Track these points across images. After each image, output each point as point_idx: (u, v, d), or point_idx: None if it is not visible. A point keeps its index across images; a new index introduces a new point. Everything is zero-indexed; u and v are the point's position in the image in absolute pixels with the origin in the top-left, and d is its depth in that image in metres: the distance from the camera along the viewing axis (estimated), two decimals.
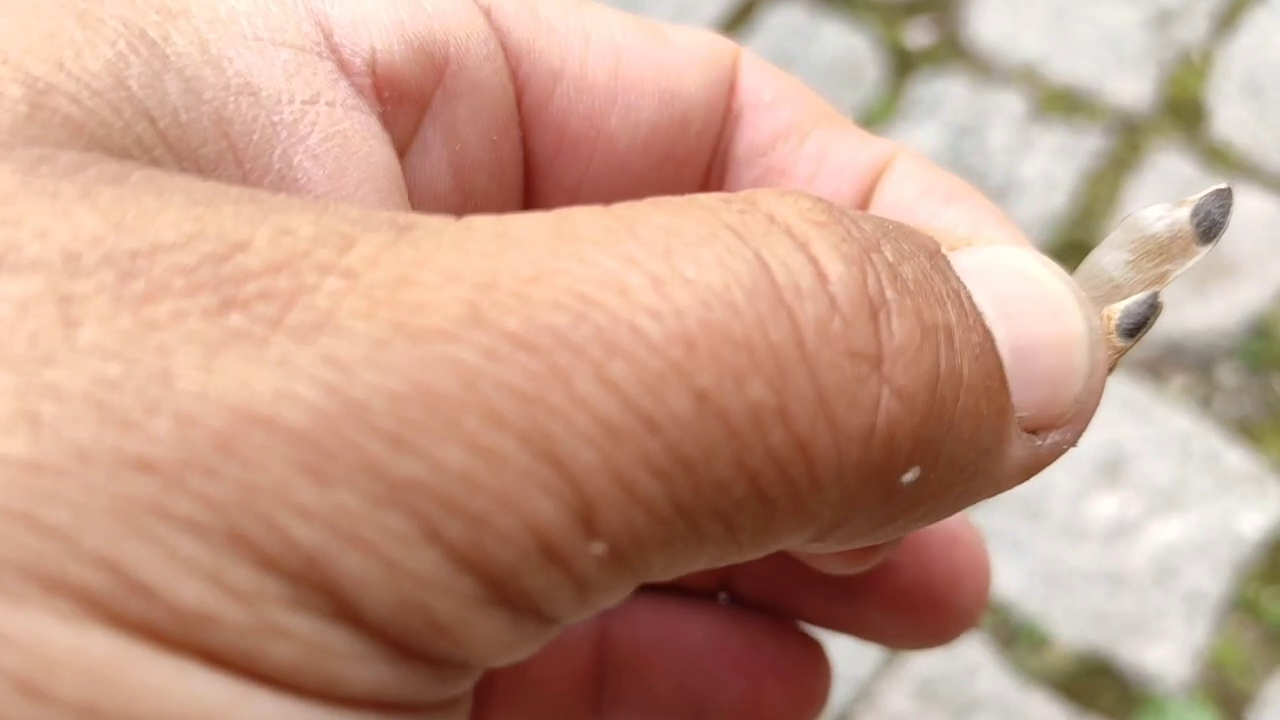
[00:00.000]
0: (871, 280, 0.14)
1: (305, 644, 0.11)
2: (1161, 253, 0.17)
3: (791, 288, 0.13)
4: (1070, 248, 1.03)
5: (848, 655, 0.88)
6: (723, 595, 0.24)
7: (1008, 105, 1.09)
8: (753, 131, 0.21)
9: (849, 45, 1.14)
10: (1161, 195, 1.04)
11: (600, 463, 0.12)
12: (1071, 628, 0.88)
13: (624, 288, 0.13)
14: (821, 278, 0.13)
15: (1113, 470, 0.93)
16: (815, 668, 0.24)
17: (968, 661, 0.87)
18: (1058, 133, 1.08)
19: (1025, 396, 0.15)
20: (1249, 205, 1.03)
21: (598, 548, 0.12)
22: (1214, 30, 1.12)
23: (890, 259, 0.14)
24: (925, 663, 0.87)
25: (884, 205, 0.20)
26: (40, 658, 0.10)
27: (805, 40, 1.14)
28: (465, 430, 0.12)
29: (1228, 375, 0.97)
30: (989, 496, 0.16)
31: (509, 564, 0.12)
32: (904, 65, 1.13)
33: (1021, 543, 0.91)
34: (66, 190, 0.12)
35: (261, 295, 0.12)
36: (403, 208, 0.17)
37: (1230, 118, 1.07)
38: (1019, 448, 0.16)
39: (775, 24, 1.16)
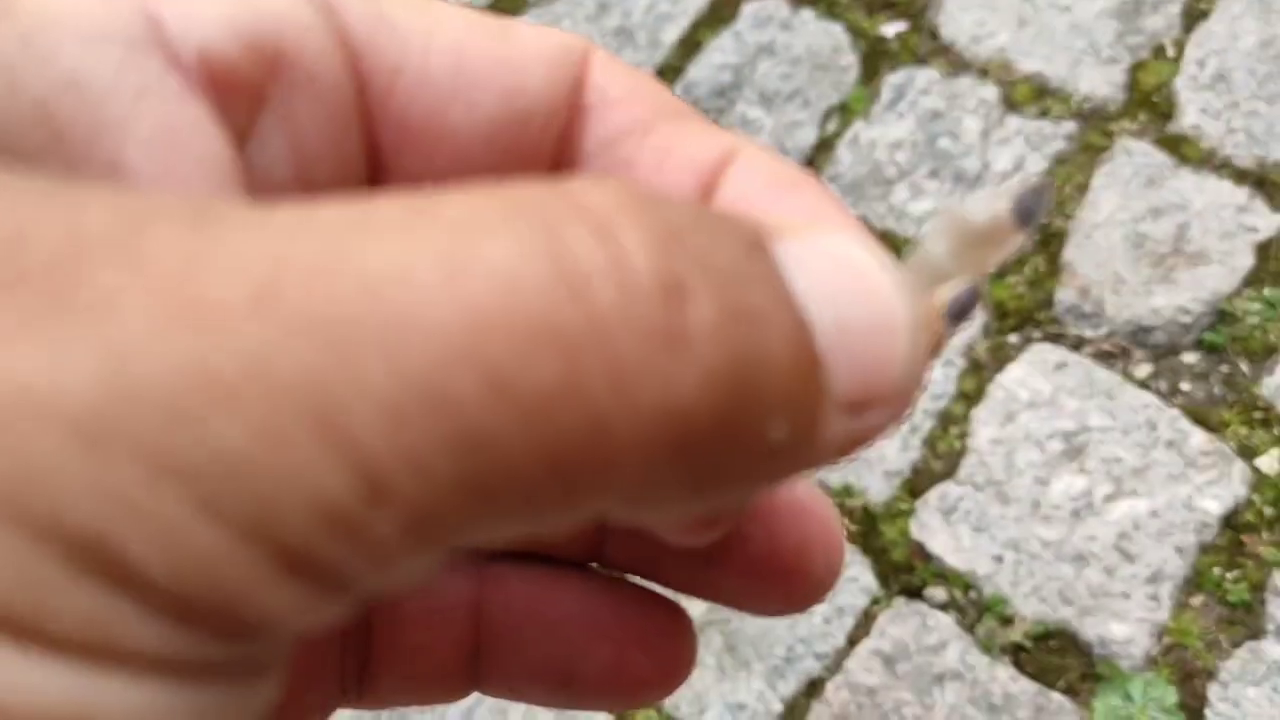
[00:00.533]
0: (672, 262, 0.14)
1: (85, 612, 0.12)
2: (983, 240, 0.18)
3: (588, 271, 0.13)
4: (1039, 233, 1.04)
5: (817, 630, 0.90)
6: (594, 565, 0.25)
7: (980, 95, 1.11)
8: (600, 126, 0.21)
9: (826, 35, 1.16)
10: (1130, 184, 1.06)
11: (387, 445, 0.12)
12: (1037, 604, 0.90)
13: (413, 271, 0.13)
14: (619, 258, 0.14)
15: (1079, 451, 0.95)
16: (679, 635, 0.24)
17: (934, 636, 0.89)
18: (1029, 122, 1.09)
19: (844, 378, 0.16)
20: (1215, 193, 1.05)
21: (388, 517, 0.13)
22: (1184, 20, 1.14)
23: (699, 245, 0.14)
24: (892, 636, 0.89)
25: (727, 197, 0.21)
26: None
27: (781, 31, 1.16)
28: (246, 412, 0.12)
29: (1192, 359, 0.99)
30: (808, 469, 0.16)
31: (295, 535, 0.12)
32: (878, 54, 1.14)
33: (989, 520, 0.93)
34: None
35: (43, 280, 0.12)
36: (235, 198, 0.17)
37: (1199, 108, 1.09)
38: (834, 424, 0.16)
39: (751, 15, 1.18)
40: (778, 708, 0.88)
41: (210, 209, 0.13)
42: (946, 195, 1.07)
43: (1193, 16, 1.14)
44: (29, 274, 0.12)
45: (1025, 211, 0.18)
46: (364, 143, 0.20)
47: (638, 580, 0.25)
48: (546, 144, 0.21)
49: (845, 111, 1.12)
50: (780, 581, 0.23)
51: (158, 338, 0.12)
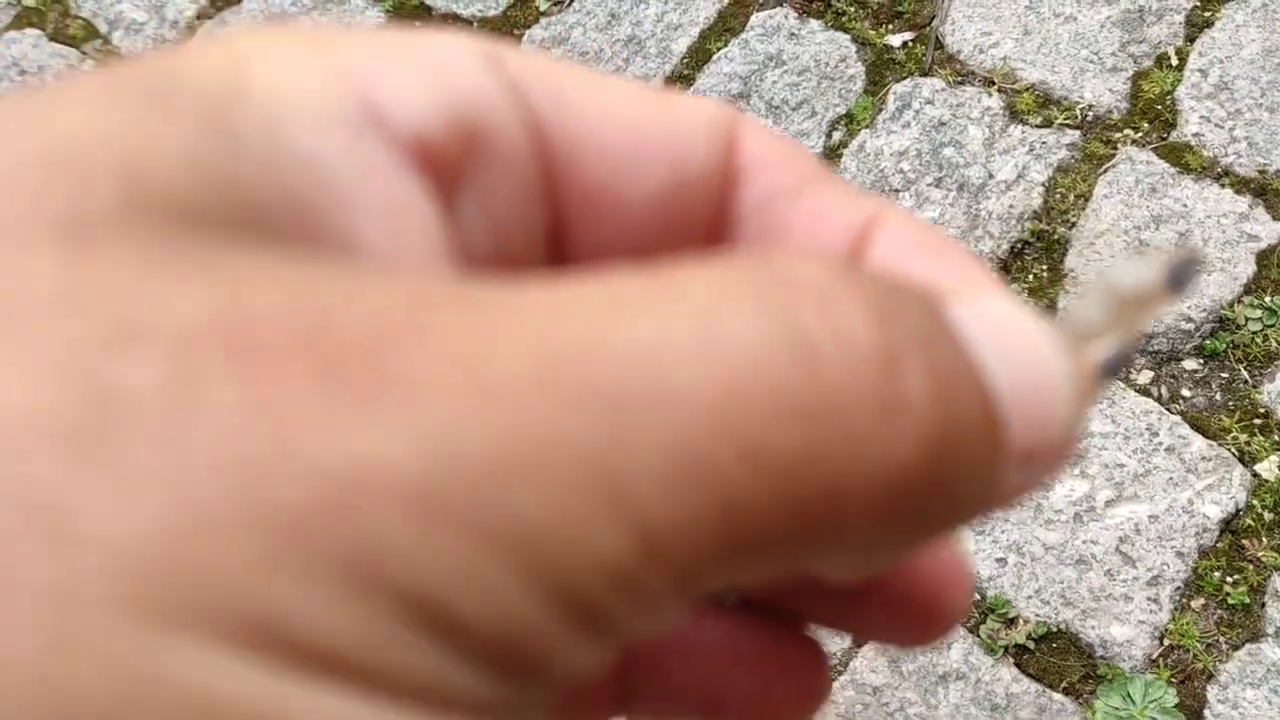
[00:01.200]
0: (891, 334, 0.16)
1: (426, 668, 0.13)
2: (1133, 303, 0.19)
3: (819, 345, 0.15)
4: (1041, 241, 1.06)
5: (823, 630, 0.91)
6: (731, 598, 0.26)
7: (983, 104, 1.13)
8: (753, 190, 0.22)
9: (832, 45, 1.17)
10: (1132, 192, 1.07)
11: (665, 512, 0.14)
12: (1039, 606, 0.91)
13: (672, 351, 0.14)
14: (847, 334, 0.15)
15: (1080, 456, 0.96)
16: (817, 666, 0.26)
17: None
18: (1032, 131, 1.11)
19: (1018, 434, 0.17)
20: (1217, 201, 1.06)
21: (662, 576, 0.14)
22: (1187, 30, 1.15)
23: (905, 313, 0.16)
24: None
25: (878, 260, 0.22)
26: (205, 693, 0.12)
27: (788, 42, 1.17)
28: (540, 481, 0.13)
29: (1193, 366, 1.01)
30: (986, 516, 0.18)
31: (591, 594, 0.14)
32: (884, 65, 1.16)
33: (994, 524, 0.94)
34: (175, 268, 0.14)
35: (357, 363, 0.13)
36: (451, 269, 0.19)
37: (1202, 116, 1.10)
38: (1012, 477, 0.18)
39: (759, 26, 1.19)
40: None
41: (474, 290, 0.15)
42: (950, 204, 1.08)
43: (1196, 26, 1.15)
44: (342, 357, 0.13)
45: (1177, 282, 0.19)
46: (547, 213, 0.21)
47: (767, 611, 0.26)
48: (707, 208, 0.22)
49: (851, 121, 1.14)
50: (918, 616, 0.24)
51: (462, 416, 0.13)
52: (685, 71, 1.17)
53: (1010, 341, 0.18)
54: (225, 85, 0.18)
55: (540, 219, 0.21)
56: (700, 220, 0.23)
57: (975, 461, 0.17)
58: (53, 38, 1.34)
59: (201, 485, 0.12)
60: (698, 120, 0.22)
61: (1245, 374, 1.00)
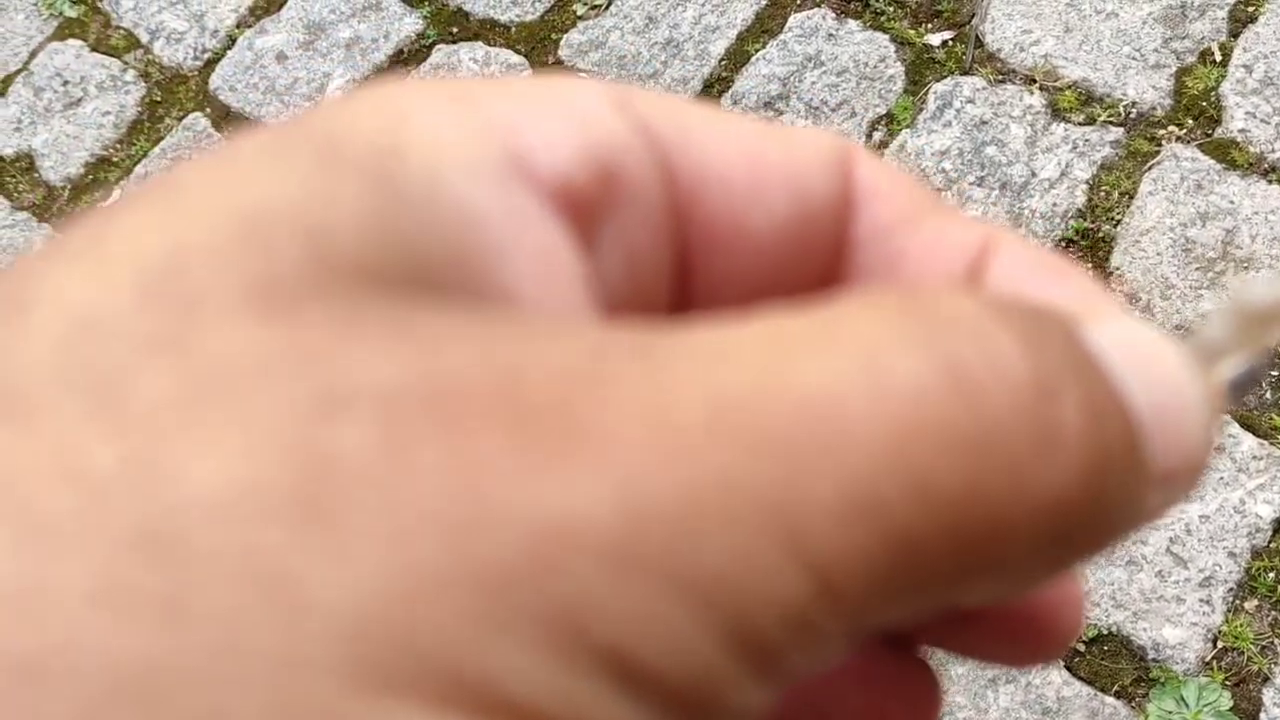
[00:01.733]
0: (1044, 365, 0.16)
1: (613, 717, 0.14)
2: (1262, 321, 0.19)
3: (981, 381, 0.15)
4: (1086, 240, 1.05)
5: None
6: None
7: (1025, 102, 1.12)
8: (871, 218, 0.23)
9: (871, 45, 1.17)
10: (1176, 190, 1.06)
11: (838, 552, 0.14)
12: (1090, 608, 0.90)
13: (839, 395, 0.15)
14: (1006, 368, 0.16)
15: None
16: (929, 688, 0.26)
17: None
18: (1074, 128, 1.10)
19: (1157, 456, 0.17)
20: (1263, 200, 1.05)
21: (839, 617, 0.15)
22: (1231, 25, 1.14)
23: (1054, 343, 0.16)
24: None
25: (997, 283, 0.22)
26: None
27: (827, 42, 1.17)
28: (728, 531, 0.14)
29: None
30: (1128, 537, 0.18)
31: (774, 641, 0.14)
32: (923, 64, 1.15)
33: None
34: (369, 331, 0.14)
35: (548, 417, 0.14)
36: (600, 311, 0.20)
37: (1247, 112, 1.09)
38: (1153, 500, 0.18)
39: (798, 26, 1.19)
40: None
41: (639, 338, 0.15)
42: (993, 204, 1.08)
43: (1239, 21, 1.14)
44: (533, 413, 0.14)
45: None
46: (677, 246, 0.22)
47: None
48: (830, 237, 0.23)
49: (891, 121, 1.13)
50: (1031, 639, 0.25)
51: (648, 468, 0.14)
52: (724, 74, 1.17)
53: (1146, 364, 0.18)
54: (386, 143, 0.18)
55: (670, 256, 0.22)
56: (821, 251, 0.23)
57: (1124, 487, 0.17)
58: (94, 48, 1.35)
59: (414, 547, 0.13)
60: (816, 151, 0.22)
61: None
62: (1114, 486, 0.17)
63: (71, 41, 1.36)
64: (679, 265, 0.23)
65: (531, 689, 0.13)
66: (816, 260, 0.23)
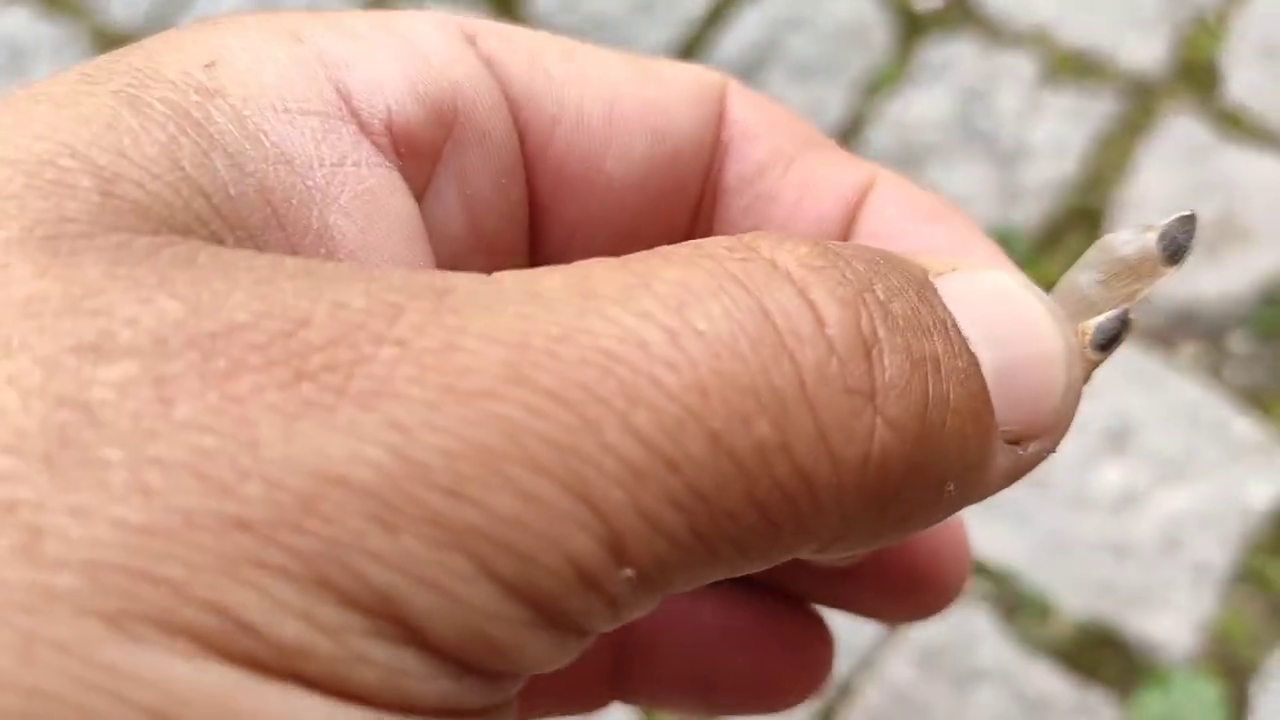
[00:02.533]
0: (865, 320, 0.15)
1: (384, 668, 0.13)
2: (1131, 273, 0.19)
3: (792, 333, 0.15)
4: (1079, 214, 1.01)
5: (850, 625, 0.88)
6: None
7: (1018, 68, 1.08)
8: (741, 161, 0.22)
9: (857, 7, 1.12)
10: (1174, 160, 1.02)
11: (628, 501, 0.14)
12: (1076, 598, 0.88)
13: (643, 342, 0.14)
14: (820, 322, 0.15)
15: (1120, 439, 0.92)
16: (818, 642, 0.25)
17: (971, 631, 0.87)
18: (1069, 96, 1.06)
19: (1008, 413, 0.17)
20: (1263, 171, 1.01)
21: (628, 573, 0.14)
22: None
23: (882, 297, 0.16)
24: (928, 633, 0.87)
25: (868, 229, 0.22)
26: (168, 691, 0.12)
27: (813, 3, 1.12)
28: (512, 479, 0.13)
29: (1238, 343, 0.96)
30: (976, 501, 0.17)
31: (553, 591, 0.14)
32: (913, 28, 1.11)
33: (1027, 512, 0.90)
34: (146, 277, 0.14)
35: (326, 367, 0.13)
36: (426, 253, 0.19)
37: (1245, 81, 1.05)
38: (1002, 459, 0.17)
39: None
40: (811, 706, 0.86)
41: (446, 287, 0.14)
42: (983, 174, 1.04)
43: None
44: (310, 361, 0.13)
45: (1173, 243, 0.18)
46: (525, 190, 0.21)
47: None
48: (693, 181, 0.22)
49: (877, 87, 1.09)
50: (913, 591, 0.24)
51: (433, 417, 0.13)
52: (702, 36, 1.13)
53: (1002, 316, 0.17)
54: (200, 82, 0.17)
55: (520, 197, 0.20)
56: (689, 192, 0.22)
57: (959, 446, 0.16)
58: (46, 14, 1.30)
59: (168, 489, 0.12)
60: (681, 89, 0.21)
61: None
62: (945, 446, 0.16)
63: (18, 9, 1.31)
64: (534, 208, 0.21)
65: (281, 631, 0.12)
66: (683, 205, 0.22)
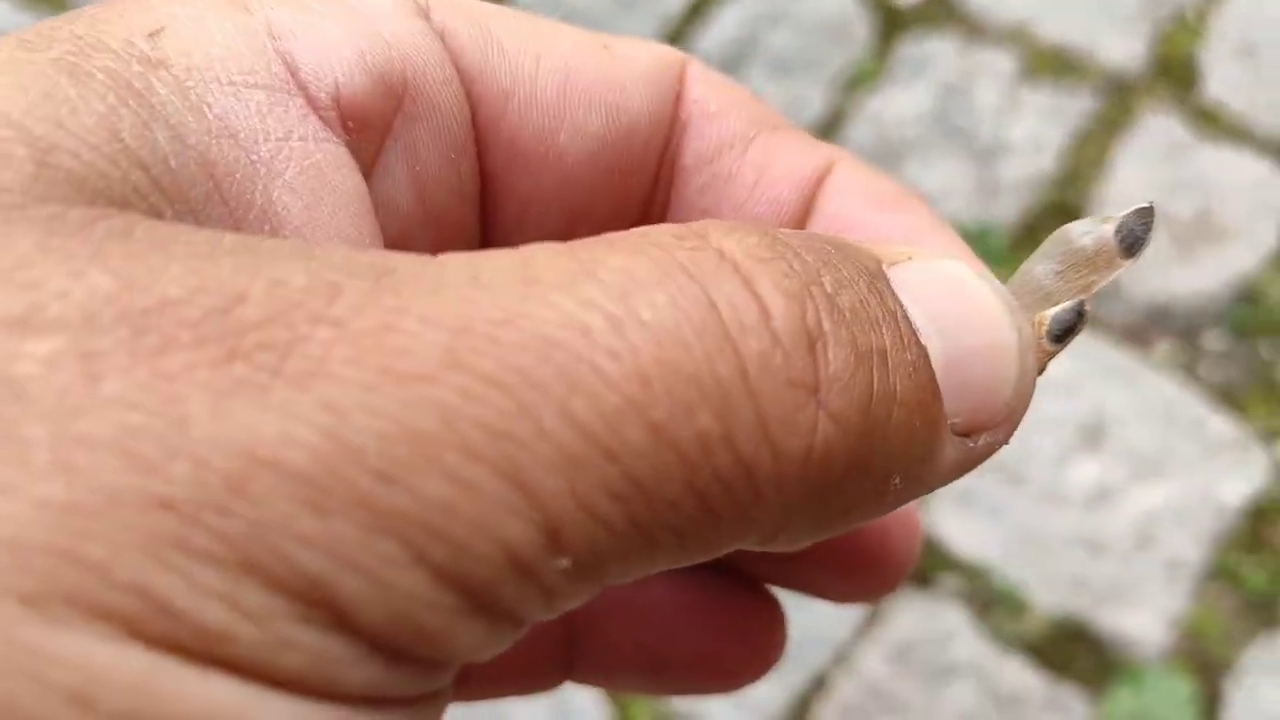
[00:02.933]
0: (810, 313, 0.15)
1: (310, 653, 0.13)
2: (1088, 264, 0.19)
3: (737, 324, 0.14)
4: (1057, 210, 1.01)
5: (826, 619, 0.88)
6: None
7: (997, 65, 1.08)
8: (699, 140, 0.21)
9: (838, 3, 1.12)
10: (1151, 158, 1.03)
11: (565, 489, 0.13)
12: (1050, 594, 0.88)
13: (585, 329, 0.14)
14: (764, 313, 0.15)
15: (1095, 435, 0.92)
16: (770, 622, 0.25)
17: (945, 626, 0.87)
18: (1047, 93, 1.06)
19: (958, 404, 0.16)
20: (1240, 168, 1.02)
21: (563, 562, 0.14)
22: None
23: (829, 289, 0.15)
24: (902, 627, 0.87)
25: (826, 214, 0.21)
26: (87, 674, 0.12)
27: None
28: (445, 464, 0.13)
29: (1214, 341, 0.96)
30: (924, 494, 0.17)
31: (486, 579, 0.13)
32: (893, 24, 1.11)
33: (1001, 508, 0.90)
34: (79, 250, 0.13)
35: (261, 345, 0.13)
36: (373, 230, 0.18)
37: (1223, 79, 1.05)
38: (951, 451, 0.17)
39: None
40: (785, 697, 0.86)
41: (388, 267, 0.14)
42: (961, 170, 1.04)
43: None
44: (244, 339, 0.13)
45: (1130, 235, 0.18)
46: (477, 165, 0.20)
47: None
48: (649, 159, 0.21)
49: (857, 82, 1.09)
50: (862, 571, 0.24)
51: (366, 399, 0.13)
52: (682, 31, 1.13)
53: (955, 307, 0.17)
54: (143, 51, 0.16)
55: (471, 172, 0.20)
56: (645, 170, 0.21)
57: (905, 438, 0.16)
58: (29, 5, 1.30)
59: (93, 467, 0.12)
60: (639, 66, 0.21)
61: (1270, 349, 0.95)
62: (891, 437, 0.15)
63: None
64: (486, 184, 0.21)
65: (219, 616, 0.12)
66: (638, 183, 0.21)
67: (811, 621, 0.87)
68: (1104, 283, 0.19)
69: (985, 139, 1.05)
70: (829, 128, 1.07)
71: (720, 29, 1.12)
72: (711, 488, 0.14)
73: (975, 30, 1.10)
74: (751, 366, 0.14)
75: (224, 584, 0.12)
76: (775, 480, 0.15)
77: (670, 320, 0.14)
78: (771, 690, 0.86)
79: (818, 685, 0.86)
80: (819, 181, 0.21)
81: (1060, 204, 1.02)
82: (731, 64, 1.10)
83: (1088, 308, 0.19)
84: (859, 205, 0.21)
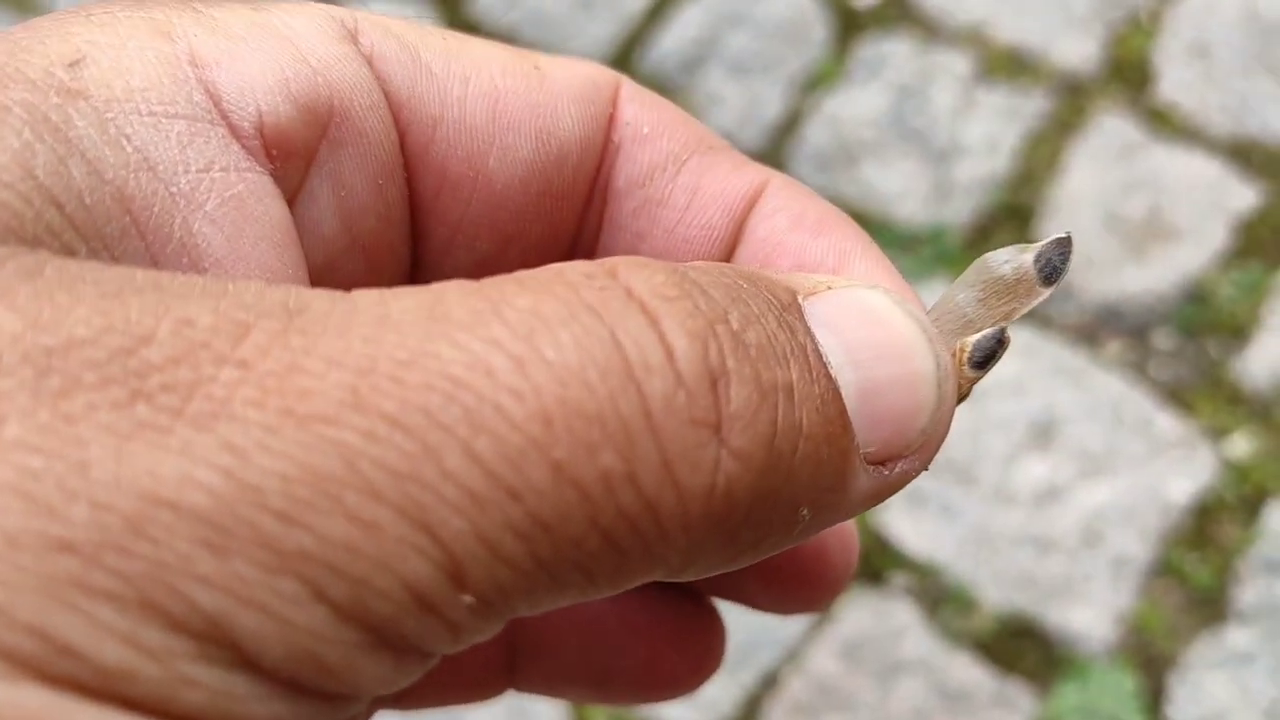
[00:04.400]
0: (713, 352, 0.15)
1: (211, 690, 0.13)
2: (1009, 292, 0.19)
3: (641, 364, 0.15)
4: (1010, 211, 1.02)
5: (777, 618, 0.89)
6: None
7: (953, 66, 1.09)
8: (631, 164, 0.21)
9: (797, 5, 1.13)
10: (1104, 158, 1.04)
11: (468, 528, 0.14)
12: (998, 591, 0.89)
13: (489, 369, 0.14)
14: (668, 353, 0.15)
15: (1045, 434, 0.94)
16: (709, 632, 0.25)
17: (895, 624, 0.89)
18: (1002, 94, 1.07)
19: (873, 434, 0.17)
20: (1190, 168, 1.03)
21: (467, 599, 0.14)
22: None
23: (735, 327, 0.15)
24: (853, 625, 0.89)
25: (756, 237, 0.21)
26: None
27: (754, 1, 1.13)
28: (347, 505, 0.13)
29: (1163, 340, 0.98)
30: (838, 522, 0.17)
31: (389, 616, 0.14)
32: (851, 25, 1.12)
33: (952, 506, 0.92)
34: None
35: (164, 387, 0.13)
36: (297, 259, 0.18)
37: (1176, 80, 1.07)
38: (864, 480, 0.17)
39: None
40: (737, 697, 0.87)
41: (299, 306, 0.14)
42: (917, 171, 1.05)
43: None
44: (150, 377, 0.13)
45: (1048, 265, 0.19)
46: (405, 190, 0.20)
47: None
48: (580, 183, 0.21)
49: (815, 84, 1.10)
50: (799, 583, 0.24)
51: (269, 441, 0.13)
52: (642, 33, 1.13)
53: (869, 337, 0.17)
54: (61, 81, 0.16)
55: (400, 198, 0.20)
56: (576, 195, 0.21)
57: (812, 471, 0.16)
58: (15, 12, 1.29)
59: None
60: (569, 89, 0.21)
61: (1218, 349, 0.97)
62: (798, 471, 0.16)
63: None
64: (413, 212, 0.21)
65: (119, 655, 0.12)
66: (569, 207, 0.21)
67: (762, 620, 0.88)
68: (1024, 310, 0.19)
69: (940, 140, 1.06)
70: (787, 128, 1.08)
71: (679, 30, 1.12)
72: (616, 525, 0.15)
73: (931, 32, 1.10)
74: (654, 406, 0.15)
75: (124, 623, 0.12)
76: (680, 517, 0.15)
77: (574, 360, 0.14)
78: (723, 689, 0.87)
79: (769, 683, 0.88)
80: (750, 204, 0.21)
81: (1014, 205, 1.03)
82: (690, 65, 1.11)
83: (1008, 335, 0.19)
84: (787, 228, 0.21)
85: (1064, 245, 0.19)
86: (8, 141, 0.15)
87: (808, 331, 0.16)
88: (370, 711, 0.24)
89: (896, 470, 0.17)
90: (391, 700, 0.24)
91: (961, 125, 1.06)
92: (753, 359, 0.15)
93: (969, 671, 0.87)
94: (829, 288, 0.17)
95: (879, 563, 0.91)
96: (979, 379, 0.19)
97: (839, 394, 0.16)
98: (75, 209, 0.15)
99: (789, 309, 0.16)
